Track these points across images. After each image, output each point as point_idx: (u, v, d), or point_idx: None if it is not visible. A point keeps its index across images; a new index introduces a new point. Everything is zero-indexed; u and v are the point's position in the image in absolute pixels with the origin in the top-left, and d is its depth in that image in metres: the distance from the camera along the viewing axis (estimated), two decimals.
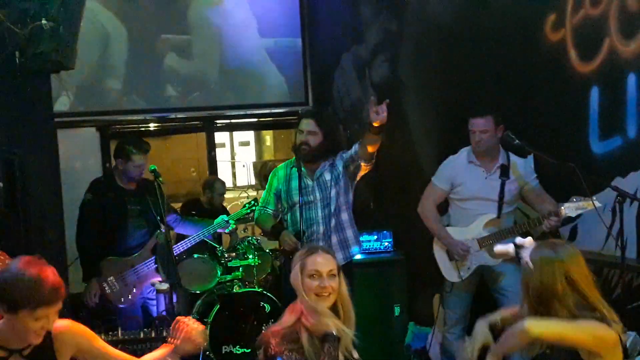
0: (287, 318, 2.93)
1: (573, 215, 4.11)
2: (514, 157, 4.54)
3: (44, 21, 3.87)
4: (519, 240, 2.87)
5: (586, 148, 4.32)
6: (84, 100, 6.78)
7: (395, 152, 6.25)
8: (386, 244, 5.87)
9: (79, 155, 6.68)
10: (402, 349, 5.62)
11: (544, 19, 4.54)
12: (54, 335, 2.69)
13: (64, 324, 2.74)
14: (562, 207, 4.11)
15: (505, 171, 4.48)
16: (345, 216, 4.61)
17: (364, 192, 6.72)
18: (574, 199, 4.07)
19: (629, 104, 4.03)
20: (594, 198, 4.00)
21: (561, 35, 4.44)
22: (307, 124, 4.51)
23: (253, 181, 10.37)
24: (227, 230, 5.46)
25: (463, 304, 4.73)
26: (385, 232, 5.87)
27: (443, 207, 4.84)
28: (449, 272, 4.66)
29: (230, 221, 5.33)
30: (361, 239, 5.69)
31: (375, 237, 5.87)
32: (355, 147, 4.41)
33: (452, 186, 4.64)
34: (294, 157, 4.59)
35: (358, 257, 4.87)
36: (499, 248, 3.15)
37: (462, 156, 4.67)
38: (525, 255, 2.70)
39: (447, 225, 4.71)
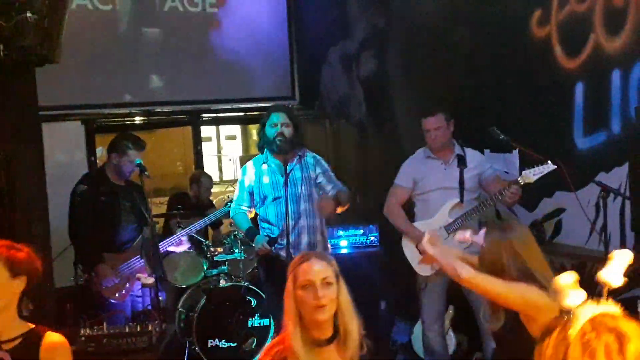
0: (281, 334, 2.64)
1: (532, 179, 4.15)
2: (468, 150, 4.67)
3: (29, 14, 3.83)
4: (459, 235, 3.35)
5: (571, 143, 4.36)
6: (68, 93, 6.72)
7: (382, 146, 6.27)
8: (372, 238, 5.88)
9: (64, 149, 6.63)
10: (388, 344, 5.64)
11: (530, 15, 4.56)
12: (43, 341, 2.62)
13: (59, 338, 2.67)
14: (522, 175, 4.18)
15: (462, 160, 4.60)
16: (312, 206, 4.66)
17: (350, 187, 6.73)
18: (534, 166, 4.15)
19: (614, 99, 4.07)
20: (549, 162, 4.08)
21: (547, 31, 4.46)
22: (281, 117, 4.58)
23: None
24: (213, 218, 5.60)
25: (439, 299, 4.76)
26: (371, 226, 5.87)
27: (409, 210, 4.88)
28: (421, 266, 4.69)
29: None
30: (347, 233, 5.76)
31: (362, 231, 5.87)
32: (332, 192, 4.60)
33: (414, 182, 4.74)
34: (261, 154, 4.71)
35: (344, 251, 4.85)
36: (458, 236, 3.38)
37: (419, 154, 4.82)
38: (481, 236, 3.05)
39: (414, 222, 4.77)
